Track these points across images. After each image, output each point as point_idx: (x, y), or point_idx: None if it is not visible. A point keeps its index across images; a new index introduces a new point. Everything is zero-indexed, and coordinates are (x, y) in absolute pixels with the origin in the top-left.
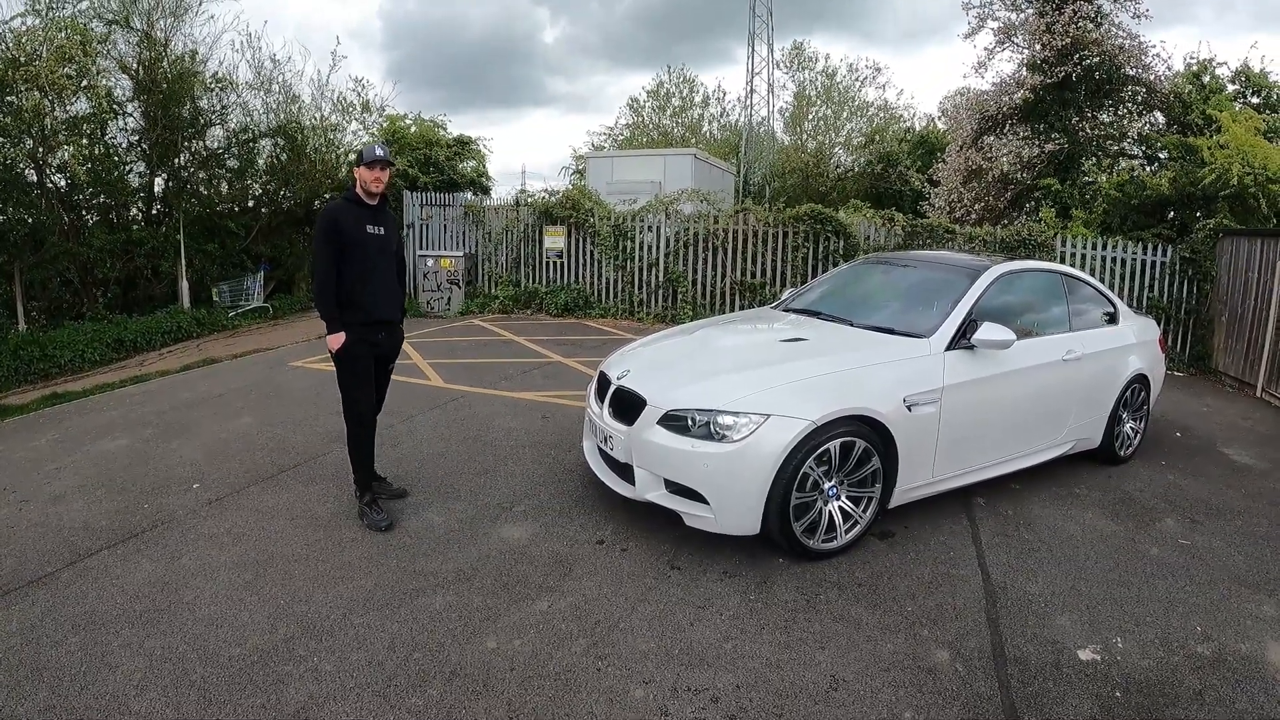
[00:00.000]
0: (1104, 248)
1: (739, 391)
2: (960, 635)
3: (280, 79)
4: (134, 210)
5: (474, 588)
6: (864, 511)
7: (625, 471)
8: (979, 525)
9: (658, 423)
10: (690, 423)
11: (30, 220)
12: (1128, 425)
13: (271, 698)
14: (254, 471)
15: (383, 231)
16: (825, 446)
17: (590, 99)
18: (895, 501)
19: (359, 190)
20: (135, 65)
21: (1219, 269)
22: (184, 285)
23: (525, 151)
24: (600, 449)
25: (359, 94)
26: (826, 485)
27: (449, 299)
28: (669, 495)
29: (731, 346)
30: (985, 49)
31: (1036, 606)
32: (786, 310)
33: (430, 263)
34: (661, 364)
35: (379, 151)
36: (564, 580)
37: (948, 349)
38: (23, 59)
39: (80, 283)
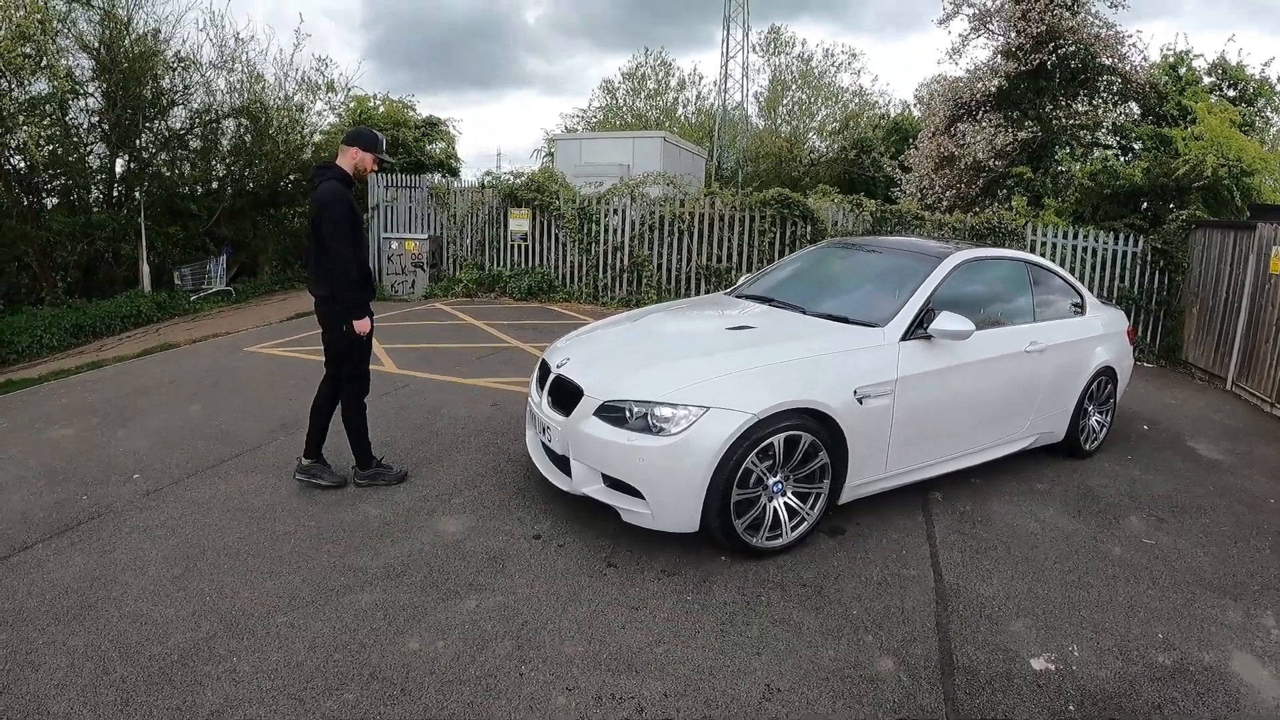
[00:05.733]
0: (1075, 237)
1: (678, 382)
2: (906, 641)
3: (244, 58)
4: (95, 192)
5: (403, 585)
6: (811, 508)
7: (564, 464)
8: (934, 522)
9: (594, 414)
10: (628, 414)
11: None
12: (1093, 419)
13: (188, 699)
14: (196, 461)
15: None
16: (769, 441)
17: (569, 81)
18: (845, 498)
19: (351, 172)
20: (97, 44)
21: (1191, 260)
22: (145, 269)
23: (502, 133)
24: (541, 440)
25: (322, 73)
26: (771, 481)
27: (413, 282)
28: (606, 490)
29: (675, 334)
30: (960, 35)
31: (990, 611)
32: (740, 296)
33: (395, 245)
34: (602, 352)
35: (383, 142)
36: (495, 577)
37: (903, 339)
38: None
39: (39, 267)
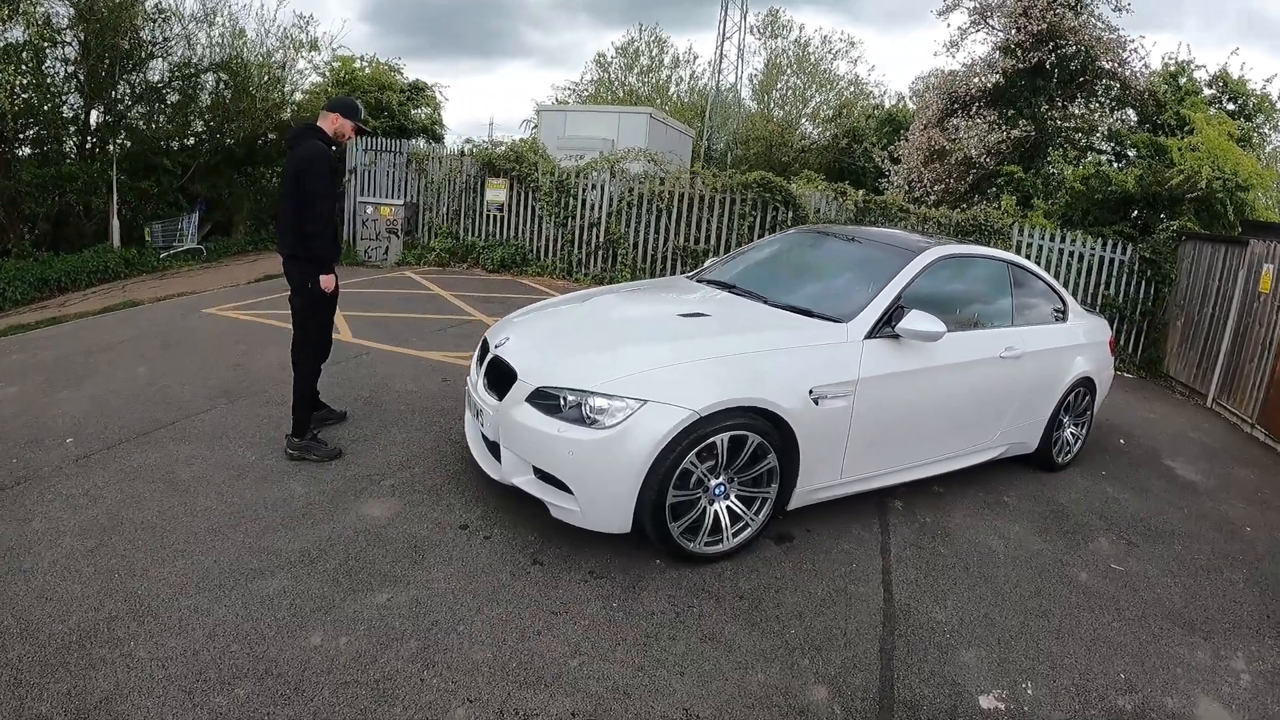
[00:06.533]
0: (1062, 240)
1: (616, 371)
2: (845, 668)
3: (226, 11)
4: (68, 144)
5: (315, 572)
6: (756, 514)
7: (497, 449)
8: (891, 533)
9: (526, 400)
10: (562, 403)
11: None
12: (1068, 430)
13: (79, 684)
14: (131, 427)
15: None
16: (711, 440)
17: (568, 54)
18: (795, 503)
19: (331, 136)
20: None
21: (1179, 272)
22: (115, 223)
23: (498, 103)
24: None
25: (305, 30)
26: (713, 483)
27: (387, 249)
28: (536, 482)
29: (624, 319)
30: (959, 29)
31: (940, 637)
32: (701, 281)
33: (369, 210)
34: (544, 334)
35: (362, 111)
36: (413, 569)
37: (868, 337)
38: None
39: (6, 218)
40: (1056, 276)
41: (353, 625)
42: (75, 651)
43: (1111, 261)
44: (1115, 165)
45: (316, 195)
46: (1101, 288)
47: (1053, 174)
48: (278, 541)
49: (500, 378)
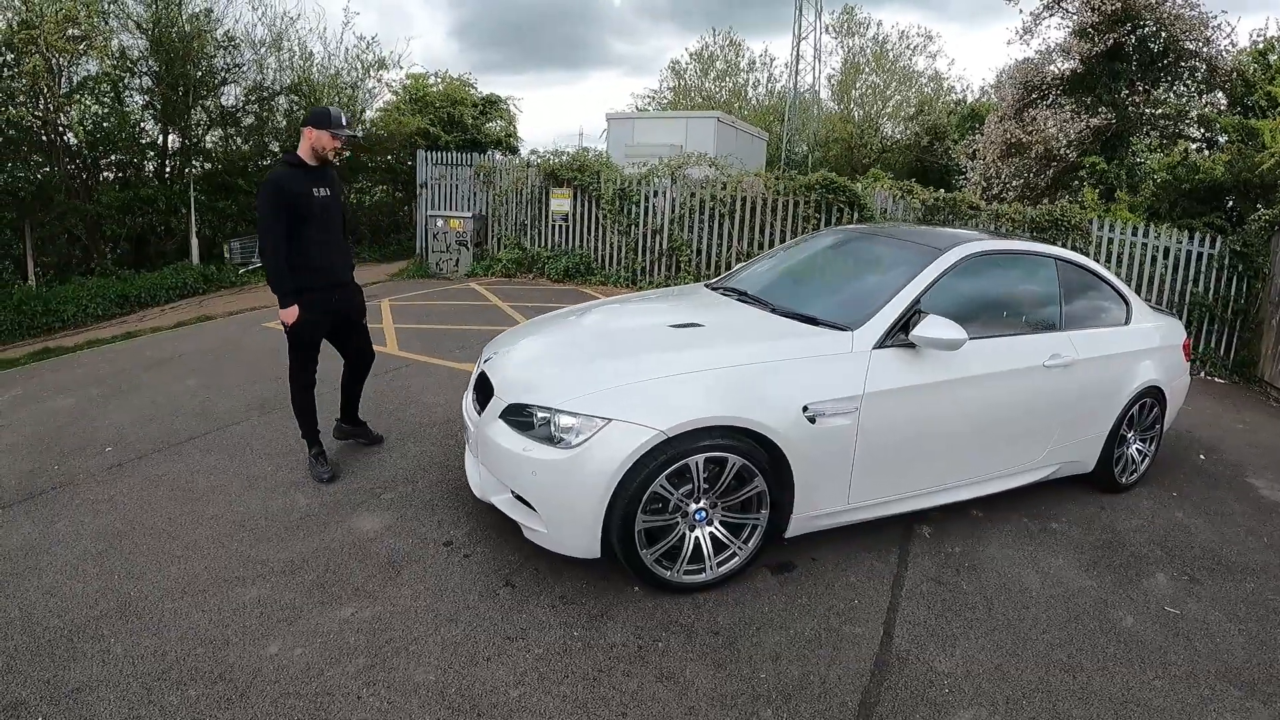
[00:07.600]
0: (1146, 234)
1: (586, 387)
2: None
3: (294, 35)
4: (148, 167)
5: (292, 583)
6: (745, 542)
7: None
8: (909, 565)
9: (500, 416)
10: (534, 420)
11: (39, 178)
12: (1133, 447)
13: (59, 674)
14: (166, 437)
15: (328, 193)
16: (685, 462)
17: (653, 62)
18: (795, 530)
19: (306, 153)
20: (149, 24)
21: (1273, 266)
22: (194, 242)
23: (585, 114)
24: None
25: (370, 51)
26: (693, 508)
27: (457, 260)
28: (512, 501)
29: (615, 330)
30: (1032, 14)
31: (936, 693)
32: (715, 288)
33: (439, 223)
34: (535, 347)
35: (345, 121)
36: (385, 585)
37: (877, 346)
38: (36, 21)
39: (88, 239)
40: (1139, 273)
41: (311, 638)
42: (63, 644)
43: (1199, 256)
44: (1206, 153)
45: (260, 226)
46: (1189, 284)
47: (1138, 164)
48: (267, 551)
49: (484, 392)
